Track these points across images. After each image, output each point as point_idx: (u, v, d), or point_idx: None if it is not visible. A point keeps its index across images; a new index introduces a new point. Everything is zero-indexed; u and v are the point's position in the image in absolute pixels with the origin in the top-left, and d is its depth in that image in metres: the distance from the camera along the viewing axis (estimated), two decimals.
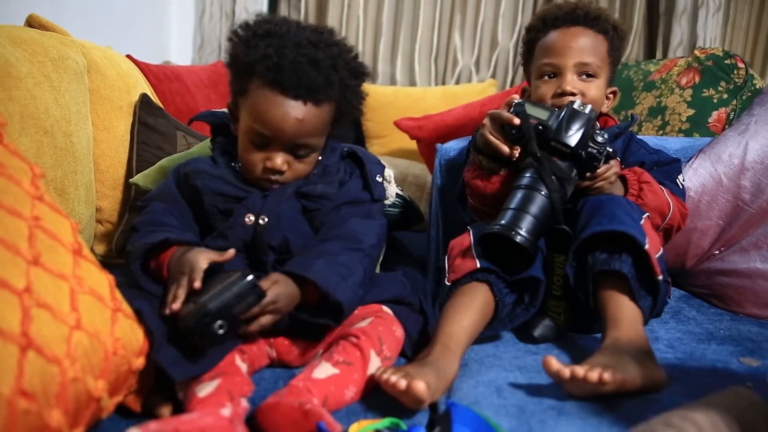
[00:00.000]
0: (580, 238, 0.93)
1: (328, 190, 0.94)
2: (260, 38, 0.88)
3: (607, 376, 0.72)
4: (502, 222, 0.93)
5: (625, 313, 0.89)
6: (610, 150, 1.00)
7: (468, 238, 1.00)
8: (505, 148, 1.02)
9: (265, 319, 0.80)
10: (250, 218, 0.90)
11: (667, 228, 1.09)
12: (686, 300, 1.23)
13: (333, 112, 0.92)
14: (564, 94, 1.10)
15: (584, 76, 1.11)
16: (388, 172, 1.04)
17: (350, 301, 0.82)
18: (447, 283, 0.97)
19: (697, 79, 1.69)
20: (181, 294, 0.75)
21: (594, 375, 0.72)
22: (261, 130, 0.88)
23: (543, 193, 0.95)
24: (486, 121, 1.06)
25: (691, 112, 1.67)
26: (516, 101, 1.05)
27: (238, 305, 0.74)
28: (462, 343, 0.87)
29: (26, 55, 1.11)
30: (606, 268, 0.92)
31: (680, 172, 1.17)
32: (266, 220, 0.89)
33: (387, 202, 1.06)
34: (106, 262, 1.31)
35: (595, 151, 0.97)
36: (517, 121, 1.00)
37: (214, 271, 0.79)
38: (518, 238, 0.91)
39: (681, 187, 1.16)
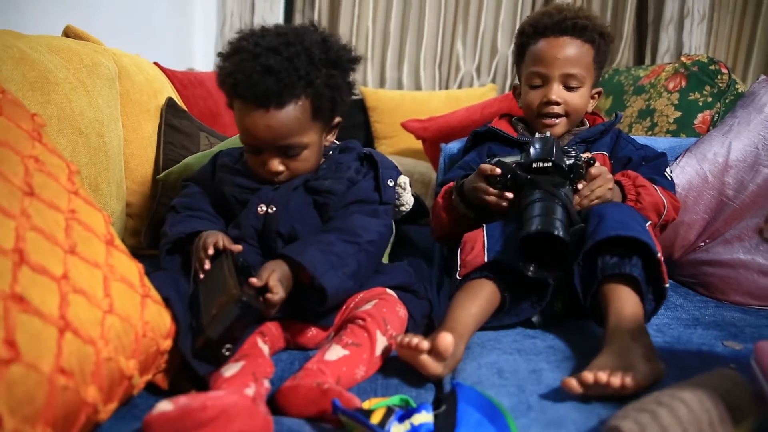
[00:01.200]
0: (593, 241, 0.88)
1: (335, 186, 0.93)
2: (228, 58, 0.88)
3: (628, 381, 0.69)
4: (538, 225, 0.86)
5: (630, 311, 0.85)
6: (588, 156, 0.97)
7: (481, 234, 0.96)
8: (493, 198, 0.98)
9: (275, 300, 0.77)
10: (262, 208, 0.90)
11: (663, 224, 1.08)
12: (674, 288, 1.22)
13: (308, 108, 0.88)
14: (549, 103, 1.11)
15: (569, 86, 1.11)
16: (403, 179, 1.01)
17: (336, 290, 0.80)
18: (458, 277, 0.94)
19: (683, 84, 1.68)
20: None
21: (616, 381, 0.69)
22: (246, 140, 0.90)
23: (555, 201, 0.89)
24: (478, 183, 1.01)
25: (678, 114, 1.66)
26: (487, 161, 1.01)
27: (238, 327, 0.71)
28: (469, 328, 0.86)
29: (63, 63, 1.12)
30: (617, 271, 0.88)
31: (667, 164, 1.16)
32: (275, 209, 0.89)
33: (404, 209, 1.04)
34: (136, 253, 1.32)
35: (572, 160, 0.95)
36: (498, 170, 0.96)
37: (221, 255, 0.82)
38: (561, 233, 0.85)
39: (670, 179, 1.14)
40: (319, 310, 0.82)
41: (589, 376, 0.70)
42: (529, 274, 0.88)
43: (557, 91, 1.11)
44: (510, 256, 0.90)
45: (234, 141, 1.31)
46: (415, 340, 0.75)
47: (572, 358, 0.83)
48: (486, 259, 0.92)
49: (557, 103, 1.11)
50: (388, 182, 0.97)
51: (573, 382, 0.70)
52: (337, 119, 0.97)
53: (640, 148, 1.17)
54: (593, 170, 0.97)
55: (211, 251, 0.81)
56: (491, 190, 0.98)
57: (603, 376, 0.70)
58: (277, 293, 0.76)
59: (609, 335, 0.82)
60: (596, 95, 1.18)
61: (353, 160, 0.98)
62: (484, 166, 0.99)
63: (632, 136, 1.23)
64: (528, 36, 1.15)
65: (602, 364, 0.73)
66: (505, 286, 0.92)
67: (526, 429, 0.66)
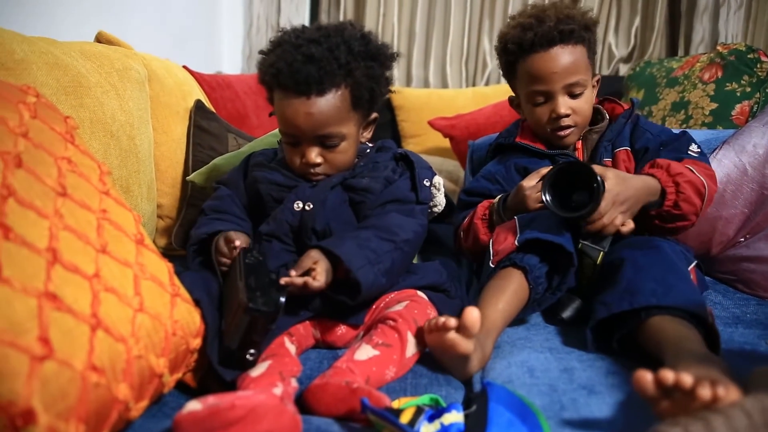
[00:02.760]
0: (630, 307, 0.79)
1: (372, 185, 0.93)
2: (269, 52, 0.91)
3: (722, 391, 0.53)
4: (568, 164, 0.90)
5: (691, 336, 0.74)
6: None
7: (514, 223, 0.95)
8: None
9: (314, 286, 0.78)
10: (298, 205, 0.91)
11: (708, 203, 1.01)
12: (712, 285, 1.17)
13: (348, 98, 0.89)
14: (558, 117, 1.07)
15: (574, 93, 1.07)
16: (438, 180, 1.01)
17: (370, 285, 0.81)
18: (491, 265, 0.93)
19: (719, 74, 1.62)
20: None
21: (705, 392, 0.54)
22: (286, 131, 0.91)
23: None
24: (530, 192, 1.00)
25: (714, 105, 1.61)
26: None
27: (255, 332, 0.70)
28: (497, 324, 0.85)
29: (95, 67, 1.14)
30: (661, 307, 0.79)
31: (691, 142, 1.09)
32: (311, 206, 0.90)
33: (436, 210, 1.03)
34: (167, 254, 1.34)
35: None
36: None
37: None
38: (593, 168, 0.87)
39: (697, 154, 1.07)
40: (350, 303, 0.82)
41: (669, 375, 0.55)
42: (557, 210, 0.88)
43: (563, 104, 1.06)
44: (540, 230, 0.90)
45: (262, 142, 1.32)
46: (442, 318, 0.74)
47: (605, 357, 0.81)
48: (517, 243, 0.91)
49: (567, 115, 1.07)
50: (424, 182, 0.97)
51: (648, 378, 0.57)
52: (374, 114, 0.98)
53: (657, 134, 1.12)
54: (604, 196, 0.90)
55: (225, 249, 0.82)
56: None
57: (688, 380, 0.55)
58: (318, 281, 0.77)
59: (672, 359, 0.68)
60: (597, 83, 1.13)
61: (389, 160, 0.99)
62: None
63: (651, 122, 1.18)
64: (514, 54, 1.09)
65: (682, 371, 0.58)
66: (532, 275, 0.90)
67: (560, 429, 0.64)
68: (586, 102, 1.08)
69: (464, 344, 0.73)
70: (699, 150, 1.08)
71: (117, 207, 0.73)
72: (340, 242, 0.83)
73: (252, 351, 0.71)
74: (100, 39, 1.39)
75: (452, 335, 0.73)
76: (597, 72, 1.14)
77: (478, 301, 0.89)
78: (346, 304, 0.82)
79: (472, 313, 0.71)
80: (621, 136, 1.12)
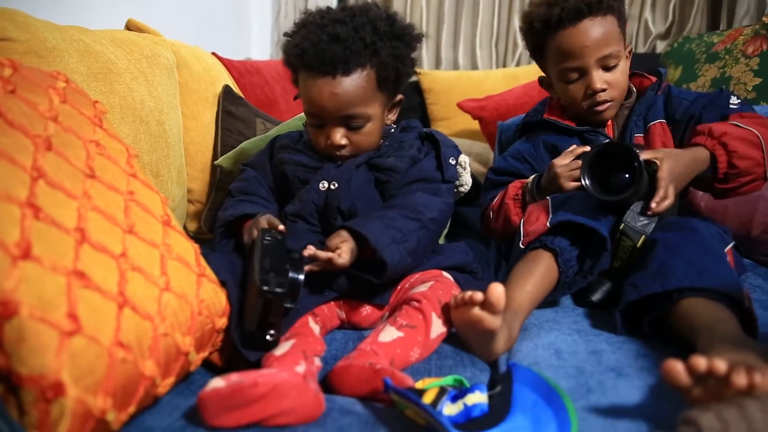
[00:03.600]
0: (662, 289, 0.77)
1: (398, 164, 0.93)
2: (294, 33, 0.91)
3: (759, 378, 0.51)
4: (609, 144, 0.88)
5: (726, 318, 0.72)
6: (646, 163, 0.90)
7: (546, 203, 0.93)
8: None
9: (338, 263, 0.79)
10: (324, 185, 0.91)
11: None
12: (752, 268, 1.13)
13: (373, 78, 0.89)
14: (594, 92, 1.03)
15: (608, 66, 1.03)
16: (464, 158, 1.00)
17: (396, 263, 0.81)
18: (521, 246, 0.91)
19: (765, 47, 1.55)
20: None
21: (741, 378, 0.51)
22: (311, 111, 0.91)
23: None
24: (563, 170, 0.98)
25: (758, 81, 1.53)
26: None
27: (272, 313, 0.71)
28: (525, 307, 0.83)
29: (125, 54, 1.16)
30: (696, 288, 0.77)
31: (729, 96, 1.04)
32: (336, 185, 0.90)
33: (463, 189, 1.02)
34: (197, 238, 1.37)
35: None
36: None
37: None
38: (635, 152, 0.85)
39: (737, 105, 1.03)
40: (376, 282, 0.82)
41: (701, 361, 0.53)
42: (597, 194, 0.86)
43: (599, 78, 1.03)
44: (573, 213, 0.88)
45: (288, 125, 1.32)
46: (468, 293, 0.73)
47: (635, 340, 0.79)
48: (548, 224, 0.89)
49: (603, 90, 1.03)
50: (450, 161, 0.96)
51: (678, 367, 0.54)
52: (399, 96, 0.97)
53: (695, 99, 1.07)
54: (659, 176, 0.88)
55: (256, 234, 0.81)
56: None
57: (721, 366, 0.52)
58: (343, 258, 0.78)
59: (705, 343, 0.66)
60: (629, 54, 1.09)
61: (414, 139, 0.98)
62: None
63: (683, 89, 1.14)
64: (540, 33, 1.05)
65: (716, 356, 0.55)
66: (563, 257, 0.87)
67: (586, 412, 0.63)
68: (621, 74, 1.05)
69: (490, 320, 0.72)
70: (739, 101, 1.04)
71: (144, 189, 0.74)
72: (366, 222, 0.83)
73: (272, 332, 0.71)
74: (129, 27, 1.41)
75: (478, 311, 0.72)
76: (628, 42, 1.10)
77: (506, 283, 0.87)
78: (371, 283, 0.82)
79: (496, 289, 0.70)
80: (654, 109, 1.08)
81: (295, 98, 1.02)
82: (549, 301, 0.91)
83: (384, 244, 0.80)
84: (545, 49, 1.07)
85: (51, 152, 0.62)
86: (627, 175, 0.87)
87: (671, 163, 0.89)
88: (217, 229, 0.93)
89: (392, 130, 0.99)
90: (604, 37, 1.01)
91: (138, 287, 0.61)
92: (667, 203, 0.87)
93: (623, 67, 1.05)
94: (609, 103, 1.06)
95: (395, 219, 0.84)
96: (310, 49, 0.86)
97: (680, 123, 1.06)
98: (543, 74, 1.17)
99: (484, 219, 1.14)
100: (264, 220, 0.84)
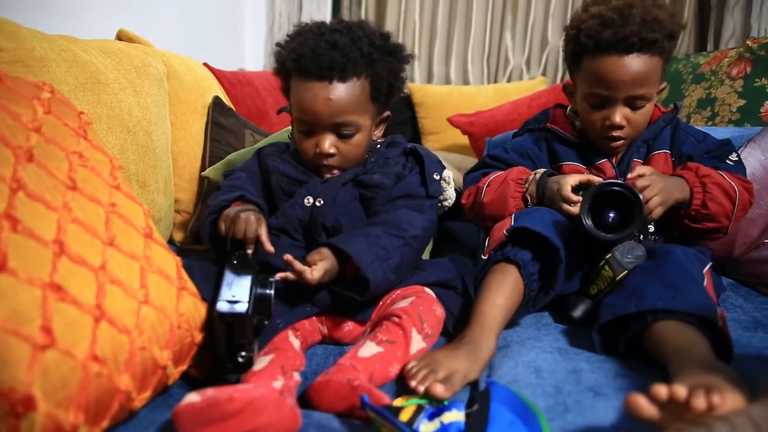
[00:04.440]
0: (636, 310, 0.78)
1: (384, 181, 0.93)
2: (289, 40, 0.91)
3: (717, 399, 0.52)
4: (610, 184, 0.88)
5: (698, 341, 0.72)
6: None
7: (509, 221, 0.94)
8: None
9: (307, 278, 0.78)
10: (309, 200, 0.91)
11: (741, 211, 0.99)
12: (734, 288, 1.14)
13: (367, 88, 0.90)
14: (613, 127, 1.01)
15: (635, 106, 1.00)
16: (448, 173, 1.01)
17: (379, 281, 0.81)
18: (483, 257, 0.93)
19: (748, 69, 1.57)
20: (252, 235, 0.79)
21: (700, 402, 0.52)
22: (302, 117, 0.90)
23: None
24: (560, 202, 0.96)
25: (741, 102, 1.56)
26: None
27: (237, 335, 0.69)
28: (497, 320, 0.84)
29: (114, 64, 1.16)
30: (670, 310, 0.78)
31: (731, 151, 1.05)
32: (322, 202, 0.90)
33: (446, 203, 1.03)
34: (184, 248, 1.37)
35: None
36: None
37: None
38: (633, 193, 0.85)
39: (734, 163, 1.04)
40: (358, 299, 0.82)
41: (661, 390, 0.53)
42: (598, 235, 0.86)
43: (621, 114, 1.00)
44: (531, 222, 0.89)
45: (276, 137, 1.33)
46: (413, 383, 0.71)
47: (615, 360, 0.79)
48: (506, 233, 0.91)
49: (621, 127, 1.01)
50: (434, 176, 0.97)
51: (641, 401, 0.53)
52: (387, 113, 0.98)
53: (702, 140, 1.08)
54: (639, 181, 0.90)
55: (263, 229, 0.80)
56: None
57: (681, 391, 0.53)
58: (313, 275, 0.77)
59: (675, 367, 0.67)
60: (660, 91, 1.06)
61: (399, 155, 0.99)
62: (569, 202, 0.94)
63: (692, 126, 1.15)
64: (583, 47, 1.00)
65: (678, 382, 0.57)
66: (525, 270, 0.89)
67: (562, 431, 0.63)
68: (643, 116, 1.02)
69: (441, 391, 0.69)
70: (737, 159, 1.05)
71: (127, 201, 0.74)
72: (350, 239, 0.83)
73: (243, 353, 0.69)
74: (120, 37, 1.42)
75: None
76: (663, 81, 1.06)
77: (476, 297, 0.88)
78: (354, 299, 0.82)
79: (435, 390, 0.68)
80: (660, 140, 1.08)
81: (279, 112, 1.02)
82: (529, 318, 0.92)
83: (367, 262, 0.80)
84: (581, 63, 1.03)
85: (32, 164, 0.62)
86: (612, 214, 0.89)
87: (658, 178, 0.91)
88: (207, 217, 0.88)
89: (378, 146, 1.00)
90: (643, 77, 0.97)
91: (116, 300, 0.60)
92: (657, 211, 0.89)
93: (648, 108, 1.02)
94: (622, 141, 1.04)
95: (379, 236, 0.84)
96: (308, 54, 0.86)
97: (683, 157, 1.06)
98: (569, 82, 1.13)
99: (467, 193, 1.12)
100: (260, 228, 0.81)
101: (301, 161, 0.96)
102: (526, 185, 1.02)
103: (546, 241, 0.88)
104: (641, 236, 0.93)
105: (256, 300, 0.71)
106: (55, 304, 0.53)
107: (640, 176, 0.92)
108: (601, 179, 0.95)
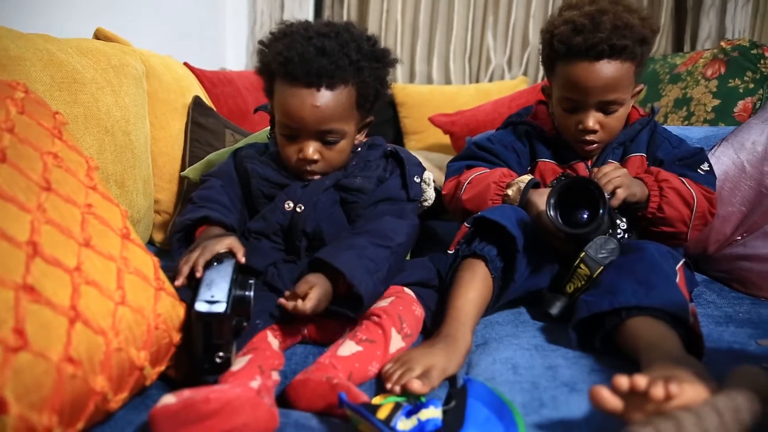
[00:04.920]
0: (610, 307, 0.79)
1: (365, 185, 0.93)
2: (275, 41, 0.90)
3: (674, 389, 0.54)
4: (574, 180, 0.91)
5: (667, 337, 0.74)
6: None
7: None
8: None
9: (300, 308, 0.77)
10: (289, 205, 0.90)
11: (700, 219, 1.02)
12: (707, 284, 1.17)
13: (353, 96, 0.89)
14: (585, 131, 1.03)
15: (607, 111, 1.02)
16: (428, 175, 1.01)
17: (371, 296, 0.81)
18: (449, 251, 0.95)
19: (722, 70, 1.61)
20: (185, 271, 0.75)
21: (658, 391, 0.53)
22: (287, 123, 0.89)
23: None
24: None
25: (716, 102, 1.59)
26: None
27: (214, 335, 0.68)
28: (471, 314, 0.85)
29: (91, 63, 1.15)
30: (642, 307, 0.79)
31: (703, 161, 1.08)
32: (303, 208, 0.90)
33: (426, 204, 1.03)
34: (164, 249, 1.36)
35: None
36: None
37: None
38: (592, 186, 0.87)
39: (704, 173, 1.06)
40: (352, 317, 0.82)
41: (622, 381, 0.55)
42: (563, 227, 0.87)
43: (593, 119, 1.02)
44: (491, 213, 0.92)
45: (256, 137, 1.33)
46: (388, 385, 0.72)
47: (590, 356, 0.81)
48: (466, 224, 0.94)
49: (594, 131, 1.03)
50: (415, 179, 0.97)
51: (604, 393, 0.56)
52: (371, 118, 0.98)
53: (677, 146, 1.10)
54: (598, 172, 0.93)
55: (206, 257, 0.76)
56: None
57: (641, 382, 0.54)
58: (306, 305, 0.76)
59: (646, 362, 0.69)
60: (636, 93, 1.08)
61: (380, 158, 0.98)
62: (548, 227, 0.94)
63: (669, 130, 1.16)
64: (556, 52, 1.02)
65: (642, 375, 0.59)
66: (493, 264, 0.91)
67: (537, 426, 0.64)
68: (617, 120, 1.04)
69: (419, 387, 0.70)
70: (708, 169, 1.07)
71: (103, 202, 0.73)
72: (337, 252, 0.81)
73: (220, 354, 0.69)
74: (98, 36, 1.41)
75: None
76: (640, 83, 1.08)
77: (449, 293, 0.90)
78: (336, 302, 0.82)
79: (412, 386, 0.69)
80: (636, 142, 1.10)
81: (256, 111, 1.01)
82: (508, 315, 0.93)
83: (359, 278, 0.79)
84: (555, 67, 1.05)
85: (5, 164, 0.61)
86: (586, 214, 0.90)
87: (620, 170, 0.95)
88: (174, 235, 0.89)
89: (359, 148, 0.99)
90: (614, 83, 0.98)
91: (92, 301, 0.60)
92: (619, 193, 0.92)
93: (622, 113, 1.04)
94: (596, 144, 1.06)
95: (365, 248, 0.83)
96: (296, 58, 0.85)
97: (655, 162, 1.09)
98: (547, 84, 1.14)
99: (449, 184, 1.13)
100: (224, 246, 0.78)
101: (281, 164, 0.95)
102: (507, 190, 1.04)
103: (506, 233, 0.90)
104: (610, 231, 0.94)
105: (235, 301, 0.70)
106: (28, 306, 0.53)
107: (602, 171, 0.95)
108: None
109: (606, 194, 0.87)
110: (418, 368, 0.73)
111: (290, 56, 0.85)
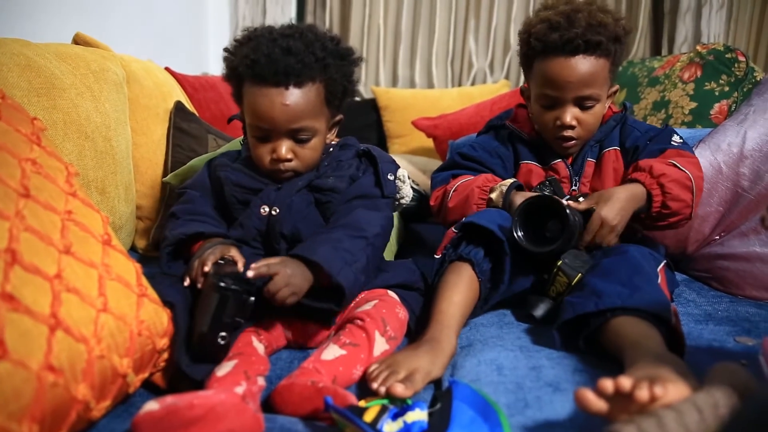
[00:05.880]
0: (596, 308, 0.81)
1: (338, 184, 0.93)
2: (240, 46, 0.90)
3: (659, 390, 0.55)
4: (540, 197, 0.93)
5: (651, 335, 0.75)
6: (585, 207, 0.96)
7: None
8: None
9: (283, 294, 0.76)
10: (265, 209, 0.90)
11: (698, 192, 1.02)
12: (687, 284, 1.19)
13: (322, 93, 0.90)
14: (563, 126, 1.05)
15: (584, 106, 1.04)
16: (402, 172, 1.01)
17: (352, 286, 0.81)
18: (436, 256, 0.96)
19: (699, 74, 1.64)
20: (196, 265, 0.80)
21: (643, 393, 0.54)
22: (257, 124, 0.89)
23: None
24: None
25: (693, 105, 1.62)
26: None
27: (226, 313, 0.71)
28: (455, 318, 0.86)
29: (70, 69, 1.14)
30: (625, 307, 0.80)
31: (673, 133, 1.10)
32: (278, 211, 0.90)
33: (404, 201, 1.04)
34: (146, 255, 1.34)
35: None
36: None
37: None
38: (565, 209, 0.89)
39: (678, 143, 1.08)
40: (336, 310, 0.82)
41: (607, 384, 0.56)
42: (530, 246, 0.90)
43: (571, 114, 1.04)
44: (478, 218, 0.94)
45: (237, 143, 1.31)
46: (374, 386, 0.72)
47: (574, 356, 0.82)
48: (454, 229, 0.95)
49: (572, 127, 1.05)
50: (389, 176, 0.97)
51: (589, 396, 0.56)
52: (340, 116, 0.98)
53: (646, 131, 1.12)
54: (593, 222, 0.94)
55: (207, 268, 0.78)
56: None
57: (626, 384, 0.55)
58: (278, 286, 0.76)
59: (629, 360, 0.70)
60: (613, 93, 1.11)
61: (353, 157, 0.99)
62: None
63: (639, 121, 1.18)
64: (533, 50, 1.05)
65: (629, 374, 0.61)
66: (479, 268, 0.92)
67: (522, 427, 0.65)
68: (594, 116, 1.06)
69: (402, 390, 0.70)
70: (681, 140, 1.09)
71: (84, 208, 0.73)
72: (314, 247, 0.82)
73: (223, 334, 0.71)
74: (77, 40, 1.39)
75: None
76: (616, 84, 1.10)
77: (434, 296, 0.91)
78: (331, 314, 0.82)
79: (395, 390, 0.69)
80: (610, 137, 1.12)
81: (230, 120, 1.01)
82: (492, 317, 0.94)
83: (338, 268, 0.79)
84: (533, 65, 1.07)
85: None
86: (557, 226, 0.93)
87: (607, 208, 0.95)
88: (164, 249, 0.89)
89: (330, 149, 0.99)
90: (590, 77, 1.01)
91: (73, 309, 0.59)
92: (610, 239, 0.94)
93: (599, 109, 1.06)
94: (574, 141, 1.07)
95: (341, 240, 0.84)
96: (262, 59, 0.86)
97: (629, 151, 1.10)
98: (526, 85, 1.16)
99: (436, 195, 1.14)
100: (214, 258, 0.80)
101: (253, 168, 0.94)
102: (490, 194, 1.05)
103: (494, 237, 0.91)
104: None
105: (244, 292, 0.73)
106: (7, 315, 0.52)
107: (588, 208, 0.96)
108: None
109: (572, 206, 0.90)
110: (402, 371, 0.73)
111: (257, 58, 0.86)
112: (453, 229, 0.96)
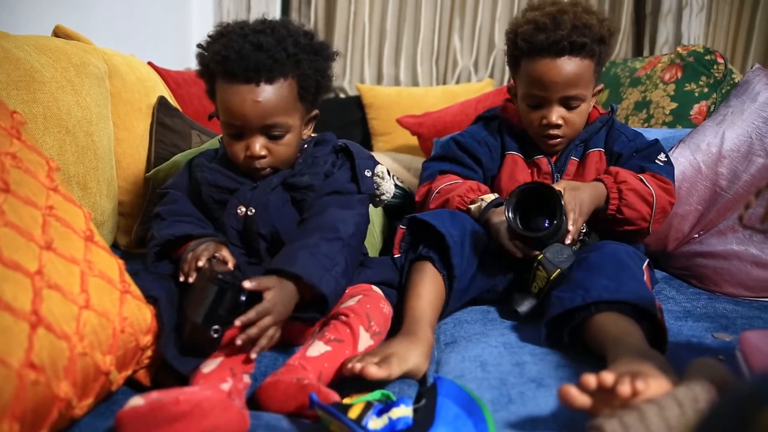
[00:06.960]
0: (583, 302, 0.81)
1: (313, 182, 0.92)
2: (212, 42, 0.89)
3: (640, 385, 0.56)
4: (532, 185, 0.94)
5: (633, 332, 0.76)
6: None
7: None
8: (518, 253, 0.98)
9: (265, 322, 0.74)
10: (241, 209, 0.90)
11: (660, 213, 1.06)
12: (667, 281, 1.21)
13: (294, 89, 0.89)
14: (549, 125, 1.07)
15: (570, 105, 1.06)
16: (381, 169, 1.01)
17: (334, 292, 0.80)
18: (394, 255, 1.00)
19: (679, 75, 1.66)
20: (190, 258, 0.81)
21: (625, 388, 0.56)
22: (230, 121, 0.88)
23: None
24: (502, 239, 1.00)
25: (674, 105, 1.64)
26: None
27: (222, 306, 0.72)
28: (426, 311, 0.89)
29: (50, 62, 1.12)
30: (609, 301, 0.82)
31: (660, 151, 1.12)
32: (254, 210, 0.89)
33: (384, 197, 1.03)
34: (128, 252, 1.33)
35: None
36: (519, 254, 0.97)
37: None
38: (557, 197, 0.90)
39: (662, 163, 1.10)
40: (320, 318, 0.82)
41: (590, 379, 0.57)
42: (521, 230, 0.92)
43: (557, 114, 1.06)
44: (423, 215, 0.98)
45: (209, 145, 1.30)
46: (348, 365, 0.72)
47: (557, 351, 0.83)
48: (401, 226, 1.00)
49: (558, 126, 1.07)
50: (366, 173, 0.96)
51: (572, 391, 0.58)
52: (316, 111, 0.98)
53: (632, 139, 1.14)
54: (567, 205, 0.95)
55: (201, 263, 0.78)
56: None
57: (609, 379, 0.57)
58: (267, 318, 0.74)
59: (611, 356, 0.71)
60: (597, 92, 1.13)
61: (329, 153, 0.98)
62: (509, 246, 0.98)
63: (626, 125, 1.21)
64: (520, 50, 1.07)
65: (611, 370, 0.62)
66: (438, 264, 0.95)
67: (506, 422, 0.65)
68: (579, 116, 1.08)
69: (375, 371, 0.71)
70: (666, 159, 1.11)
71: (65, 203, 0.72)
72: (292, 257, 0.80)
73: (216, 327, 0.71)
74: (57, 33, 1.36)
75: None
76: (600, 83, 1.12)
77: (405, 297, 0.93)
78: (302, 303, 0.82)
79: (368, 371, 0.70)
80: (596, 138, 1.14)
81: (210, 117, 1.01)
82: (477, 314, 0.95)
83: (318, 277, 0.78)
84: (520, 65, 1.09)
85: None
86: (546, 222, 0.93)
87: (572, 194, 0.97)
88: (152, 249, 0.87)
89: (305, 145, 0.98)
90: (576, 78, 1.03)
91: (54, 305, 0.59)
92: (575, 227, 0.94)
93: (584, 108, 1.08)
94: (560, 139, 1.09)
95: (318, 245, 0.82)
96: (233, 55, 0.84)
97: (613, 155, 1.12)
98: (513, 83, 1.17)
99: (421, 191, 1.17)
100: (207, 254, 0.80)
101: (230, 166, 0.93)
102: (470, 204, 1.07)
103: (433, 230, 0.95)
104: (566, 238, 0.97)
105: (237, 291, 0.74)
106: None
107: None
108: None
109: (558, 195, 0.90)
110: (378, 356, 0.74)
111: (228, 54, 0.85)
112: (400, 225, 1.00)
